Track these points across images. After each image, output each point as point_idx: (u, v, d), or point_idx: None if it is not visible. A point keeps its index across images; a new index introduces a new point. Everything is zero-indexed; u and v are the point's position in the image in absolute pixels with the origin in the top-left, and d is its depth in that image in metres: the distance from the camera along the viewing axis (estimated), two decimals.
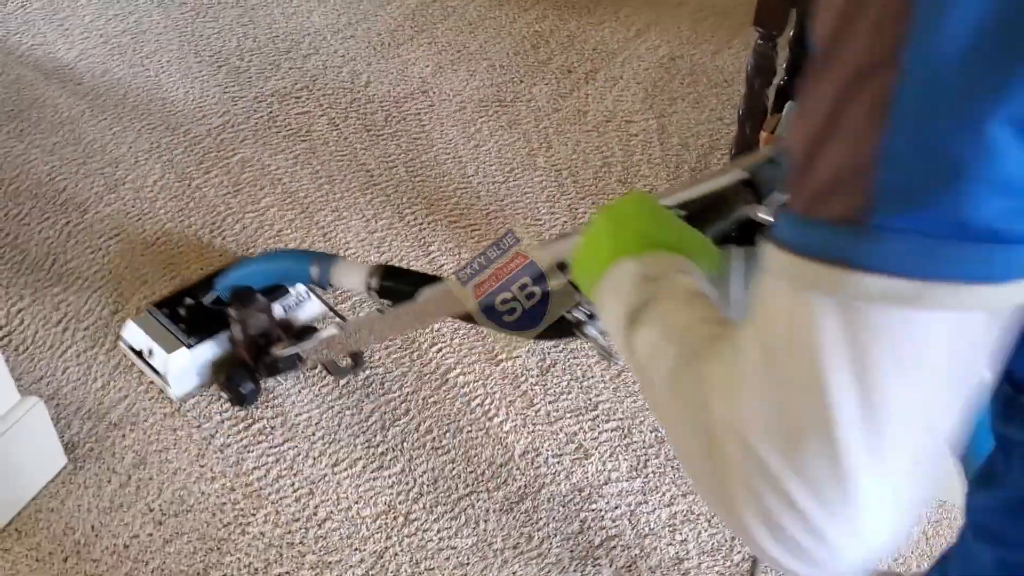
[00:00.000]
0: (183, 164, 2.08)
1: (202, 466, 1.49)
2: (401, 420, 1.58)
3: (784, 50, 2.01)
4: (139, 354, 1.59)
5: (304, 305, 1.66)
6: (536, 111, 2.30)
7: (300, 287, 1.64)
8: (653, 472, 1.53)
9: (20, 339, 1.67)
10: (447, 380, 1.65)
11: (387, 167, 2.11)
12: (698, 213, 0.84)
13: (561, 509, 1.47)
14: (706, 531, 1.45)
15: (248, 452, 1.52)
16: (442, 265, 1.86)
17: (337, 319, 1.69)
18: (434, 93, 2.34)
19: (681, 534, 1.45)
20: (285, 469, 1.50)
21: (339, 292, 1.76)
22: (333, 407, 1.59)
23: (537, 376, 1.67)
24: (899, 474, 0.45)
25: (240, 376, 1.53)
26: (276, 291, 1.59)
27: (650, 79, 2.45)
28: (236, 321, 1.52)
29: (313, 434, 1.55)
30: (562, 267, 0.98)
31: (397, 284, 1.36)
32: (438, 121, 2.25)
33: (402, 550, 1.40)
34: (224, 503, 1.44)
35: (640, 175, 2.12)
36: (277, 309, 1.60)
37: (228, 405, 1.58)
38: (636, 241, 0.71)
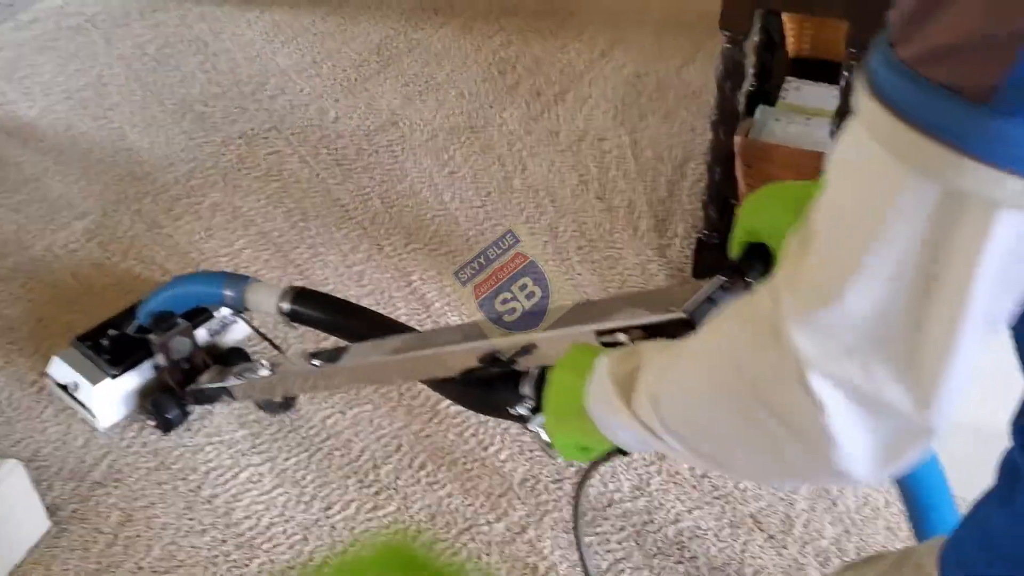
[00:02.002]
0: (152, 213, 2.04)
1: (191, 519, 1.44)
2: (393, 457, 1.54)
3: (751, 55, 2.00)
4: (65, 388, 1.57)
5: (230, 328, 1.64)
6: (508, 135, 2.29)
7: (225, 310, 1.60)
8: (656, 490, 1.49)
9: None
10: (438, 412, 1.61)
11: (362, 200, 2.08)
12: None
13: (565, 536, 1.42)
14: (715, 546, 1.42)
15: (237, 501, 1.47)
16: (425, 294, 1.83)
17: (270, 355, 1.59)
18: (404, 124, 2.32)
19: (690, 551, 1.41)
20: (277, 516, 1.45)
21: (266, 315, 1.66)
22: (322, 448, 1.55)
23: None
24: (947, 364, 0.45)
25: (165, 402, 1.52)
26: (200, 315, 1.57)
27: (618, 96, 2.44)
28: (158, 347, 1.50)
29: (303, 478, 1.50)
30: (495, 359, 0.99)
31: (309, 309, 1.37)
32: (411, 151, 2.23)
33: None
34: (216, 556, 1.39)
35: (618, 190, 2.10)
36: (202, 333, 1.58)
37: (214, 455, 1.53)
38: (587, 361, 0.73)
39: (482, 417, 1.60)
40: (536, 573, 1.38)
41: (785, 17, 2.12)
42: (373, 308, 1.80)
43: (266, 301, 1.42)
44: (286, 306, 1.38)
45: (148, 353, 1.54)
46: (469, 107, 2.39)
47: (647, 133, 2.29)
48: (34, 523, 1.41)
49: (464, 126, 2.32)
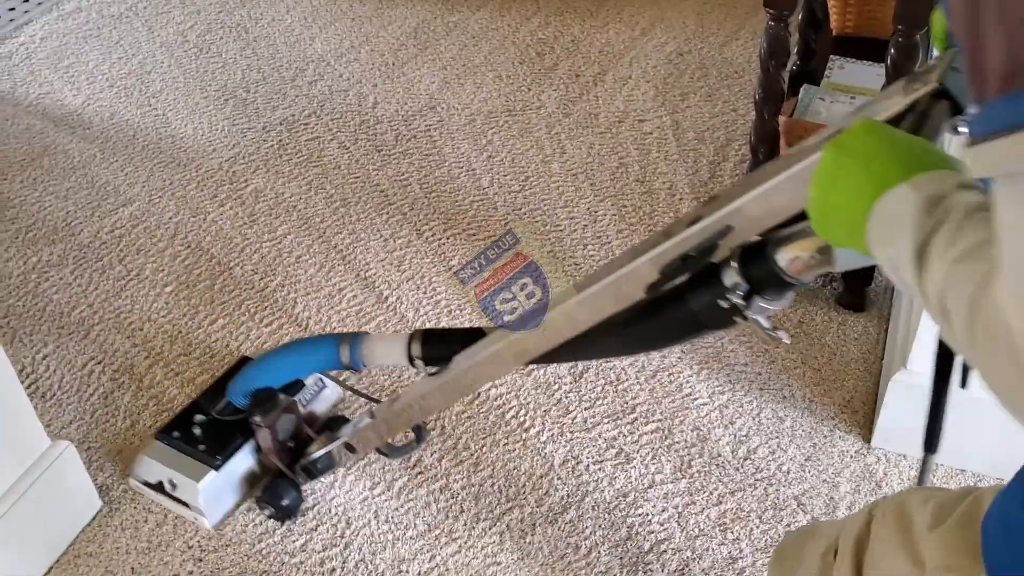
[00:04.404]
0: (197, 199, 2.07)
1: None
2: (436, 438, 1.55)
3: (795, 34, 1.98)
4: (158, 488, 1.42)
5: (323, 394, 1.51)
6: (547, 118, 2.28)
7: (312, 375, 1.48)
8: (698, 471, 1.49)
9: (47, 385, 1.65)
10: (479, 394, 1.62)
11: (401, 185, 2.09)
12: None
13: (607, 516, 1.43)
14: (758, 528, 1.41)
15: None
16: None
17: (369, 403, 1.49)
18: (442, 108, 2.33)
19: (733, 533, 1.41)
20: (321, 496, 1.47)
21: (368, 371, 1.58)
22: None
23: (570, 383, 1.63)
24: None
25: (280, 488, 1.39)
26: (294, 385, 1.45)
27: (660, 76, 2.42)
28: (262, 428, 1.36)
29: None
30: (685, 259, 0.83)
31: (443, 348, 1.21)
32: (449, 136, 2.23)
33: (447, 570, 1.37)
34: (263, 533, 1.41)
35: (658, 172, 2.09)
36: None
37: None
38: (896, 167, 0.62)
39: (523, 399, 1.60)
40: (578, 552, 1.38)
41: None
42: (413, 293, 1.81)
43: (392, 353, 1.25)
44: (417, 350, 1.22)
45: (245, 435, 1.40)
46: (507, 90, 2.38)
47: (688, 114, 2.27)
48: (86, 503, 1.44)
49: (502, 109, 2.31)
